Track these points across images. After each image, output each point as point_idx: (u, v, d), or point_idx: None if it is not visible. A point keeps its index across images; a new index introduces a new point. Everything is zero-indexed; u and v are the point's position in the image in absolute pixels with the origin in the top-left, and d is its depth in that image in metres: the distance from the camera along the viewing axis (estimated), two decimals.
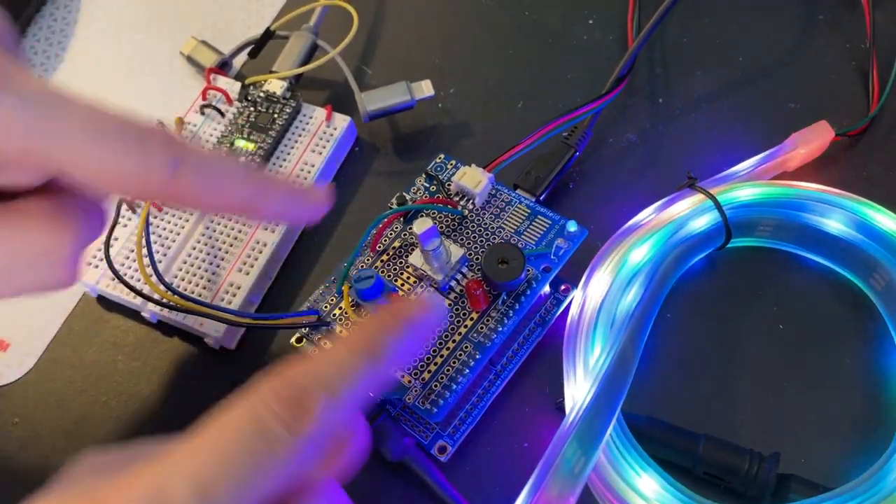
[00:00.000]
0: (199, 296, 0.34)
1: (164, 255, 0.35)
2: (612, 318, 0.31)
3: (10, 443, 0.33)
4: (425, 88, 0.38)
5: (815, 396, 0.31)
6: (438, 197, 0.34)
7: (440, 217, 0.33)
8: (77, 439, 0.33)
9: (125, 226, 0.36)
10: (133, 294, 0.32)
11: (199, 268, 0.35)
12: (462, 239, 0.33)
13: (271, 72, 0.39)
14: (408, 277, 0.32)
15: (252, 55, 0.41)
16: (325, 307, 0.32)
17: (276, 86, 0.38)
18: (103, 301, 0.36)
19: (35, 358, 0.35)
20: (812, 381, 0.31)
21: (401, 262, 0.32)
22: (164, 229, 0.35)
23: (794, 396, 0.31)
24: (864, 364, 0.31)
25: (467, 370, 0.30)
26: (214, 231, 0.35)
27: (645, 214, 0.33)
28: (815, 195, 0.32)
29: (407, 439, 0.30)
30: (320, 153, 0.37)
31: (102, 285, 0.35)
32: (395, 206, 0.34)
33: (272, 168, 0.37)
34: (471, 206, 0.33)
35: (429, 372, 0.30)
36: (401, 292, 0.32)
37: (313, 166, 0.37)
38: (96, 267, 0.35)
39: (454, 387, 0.29)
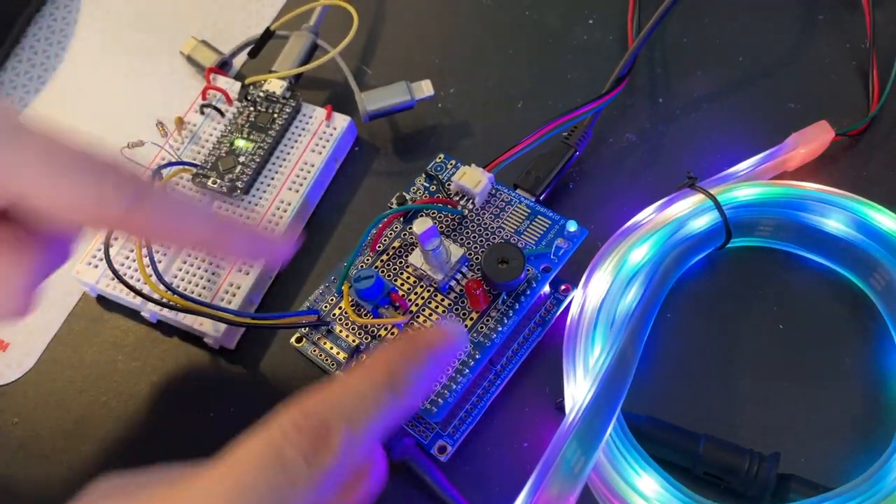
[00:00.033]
0: (199, 296, 0.34)
1: (164, 254, 0.35)
2: (612, 318, 0.31)
3: (10, 443, 0.33)
4: (425, 88, 0.38)
5: (816, 396, 0.31)
6: (438, 197, 0.34)
7: (440, 217, 0.33)
8: (77, 439, 0.33)
9: None
10: (133, 294, 0.32)
11: (199, 267, 0.35)
12: (462, 239, 0.33)
13: (271, 71, 0.39)
14: (407, 277, 0.32)
15: (252, 55, 0.41)
16: (325, 307, 0.32)
17: (275, 85, 0.38)
18: (103, 301, 0.36)
19: (35, 358, 0.35)
20: (812, 380, 0.31)
21: (401, 262, 0.32)
22: None
23: (794, 396, 0.31)
24: (864, 364, 0.31)
25: (467, 370, 0.30)
26: None
27: (645, 214, 0.33)
28: (815, 195, 0.32)
29: (407, 439, 0.30)
30: (320, 153, 0.37)
31: (102, 285, 0.35)
32: (394, 206, 0.34)
33: (272, 168, 0.37)
34: (471, 206, 0.33)
35: None
36: (401, 292, 0.32)
37: (313, 166, 0.37)
38: (96, 267, 0.35)
39: (454, 387, 0.29)
